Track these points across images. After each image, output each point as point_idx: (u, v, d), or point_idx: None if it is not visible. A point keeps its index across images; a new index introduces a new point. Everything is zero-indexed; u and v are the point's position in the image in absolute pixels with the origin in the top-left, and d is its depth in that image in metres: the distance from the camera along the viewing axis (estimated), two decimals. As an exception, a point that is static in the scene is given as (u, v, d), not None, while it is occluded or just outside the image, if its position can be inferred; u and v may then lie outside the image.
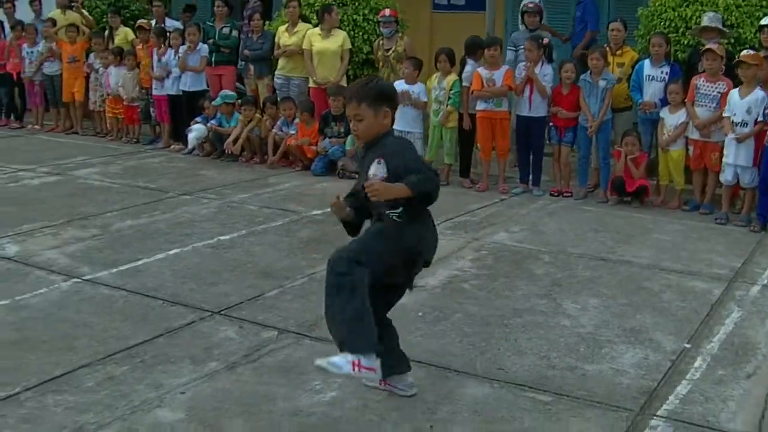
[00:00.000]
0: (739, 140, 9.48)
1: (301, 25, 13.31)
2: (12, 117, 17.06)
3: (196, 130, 13.37)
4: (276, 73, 13.65)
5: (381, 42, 12.83)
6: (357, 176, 5.10)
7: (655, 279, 7.52)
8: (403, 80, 11.68)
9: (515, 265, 7.85)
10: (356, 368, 4.48)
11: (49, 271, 7.56)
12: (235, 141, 12.91)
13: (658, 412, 5.04)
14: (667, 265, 7.93)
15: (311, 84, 13.06)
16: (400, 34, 12.77)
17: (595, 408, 5.07)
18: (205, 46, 13.88)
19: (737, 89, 9.61)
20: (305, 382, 5.34)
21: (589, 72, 10.59)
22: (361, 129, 4.88)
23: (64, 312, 6.58)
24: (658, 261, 8.04)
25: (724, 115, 9.66)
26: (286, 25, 13.42)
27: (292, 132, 12.53)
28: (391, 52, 12.59)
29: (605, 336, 6.18)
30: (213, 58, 13.93)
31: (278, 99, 13.20)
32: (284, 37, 13.31)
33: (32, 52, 16.16)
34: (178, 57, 13.83)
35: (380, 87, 4.97)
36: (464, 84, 11.25)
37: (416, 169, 4.68)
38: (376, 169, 4.78)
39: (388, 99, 4.93)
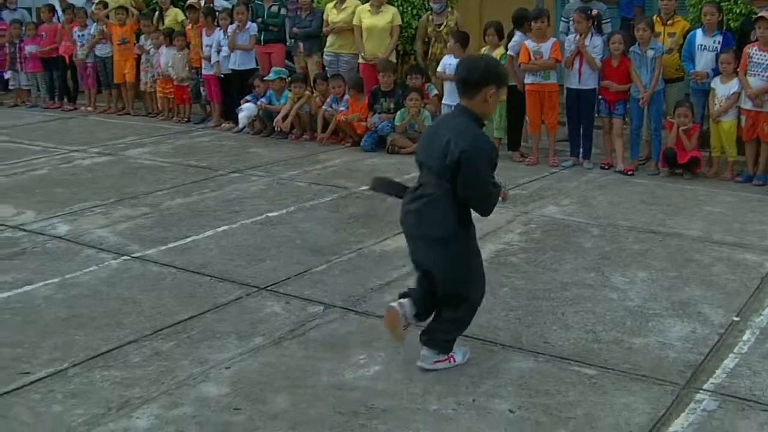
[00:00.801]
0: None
1: (350, 2, 13.31)
2: (65, 99, 17.25)
3: (246, 109, 13.42)
4: (325, 50, 13.65)
5: (431, 17, 12.77)
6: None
7: (706, 252, 7.43)
8: (451, 54, 11.63)
9: (564, 238, 7.79)
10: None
11: (99, 249, 7.64)
12: (284, 118, 12.94)
13: (704, 386, 4.98)
14: (718, 237, 7.84)
15: (360, 60, 13.04)
16: (450, 9, 12.70)
17: (640, 381, 5.02)
18: (254, 24, 13.90)
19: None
20: (350, 357, 5.35)
21: (637, 43, 10.46)
22: (489, 111, 5.15)
23: (113, 289, 6.65)
24: (709, 233, 7.95)
25: (777, 84, 9.51)
26: (335, 1, 13.41)
27: (342, 108, 12.52)
28: (442, 27, 12.51)
29: (653, 309, 6.12)
30: (262, 37, 13.95)
31: (328, 76, 13.19)
32: (332, 14, 13.32)
33: (83, 35, 16.31)
34: (227, 36, 13.86)
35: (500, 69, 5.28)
36: (510, 53, 11.16)
37: None
38: None
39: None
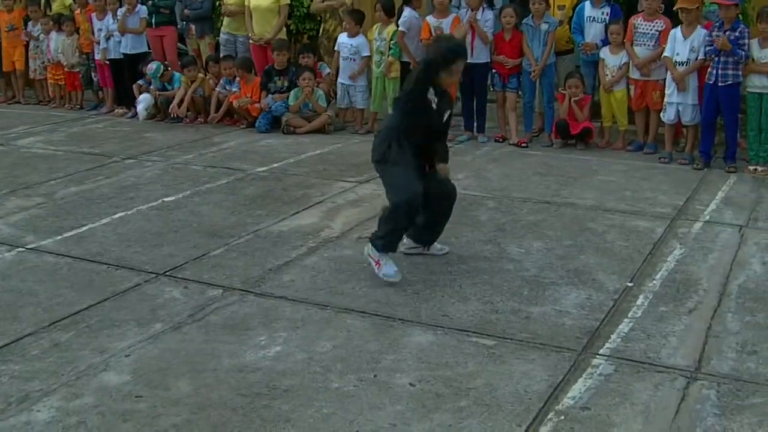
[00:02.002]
0: (677, 80, 9.54)
1: None
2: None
3: (143, 101, 13.27)
4: (221, 30, 13.53)
5: None
6: None
7: (599, 220, 7.59)
8: (345, 33, 11.67)
9: (460, 211, 7.80)
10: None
11: (-8, 242, 7.51)
12: (180, 104, 12.82)
13: (600, 351, 5.09)
14: (611, 205, 8.01)
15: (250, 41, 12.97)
16: None
17: (538, 350, 5.12)
18: (144, 7, 13.70)
19: (679, 28, 9.63)
20: (250, 338, 5.34)
21: (531, 16, 10.57)
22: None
23: (9, 282, 6.53)
24: (602, 202, 8.11)
25: (665, 54, 9.69)
26: None
27: (235, 90, 12.46)
28: (338, 3, 12.46)
29: (549, 278, 6.24)
30: (153, 20, 13.74)
31: (221, 57, 13.08)
32: None
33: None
34: (118, 20, 13.66)
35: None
36: (401, 29, 11.20)
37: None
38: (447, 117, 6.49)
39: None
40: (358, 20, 11.72)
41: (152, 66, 13.25)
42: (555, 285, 6.11)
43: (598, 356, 5.04)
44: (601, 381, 4.75)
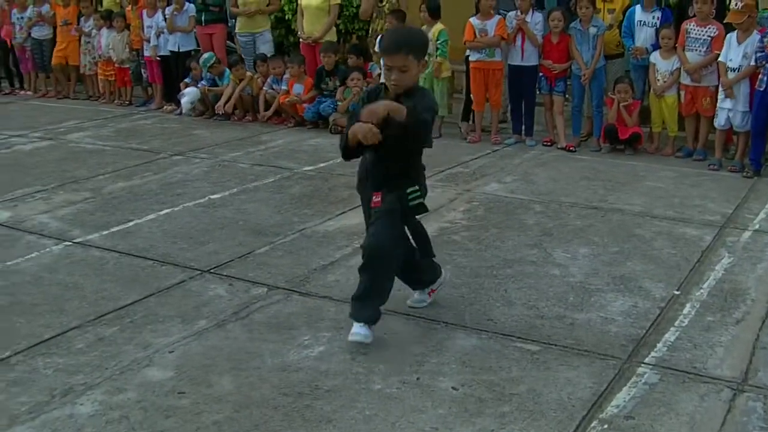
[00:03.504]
0: (725, 87, 9.44)
1: None
2: (8, 84, 17.05)
3: (188, 94, 13.33)
4: (238, 32, 13.59)
5: None
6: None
7: (647, 226, 7.51)
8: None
9: (506, 215, 7.83)
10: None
11: (40, 236, 7.55)
12: (226, 102, 12.87)
13: (646, 360, 5.03)
14: (659, 212, 7.92)
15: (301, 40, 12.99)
16: None
17: (582, 356, 5.07)
18: (192, 5, 13.79)
19: (734, 33, 9.52)
20: (294, 338, 5.34)
21: (578, 20, 10.51)
22: (405, 80, 4.95)
23: (55, 275, 6.58)
24: (650, 208, 8.03)
25: (719, 60, 9.59)
26: None
27: (284, 88, 12.47)
28: (384, 3, 12.46)
29: (595, 285, 6.18)
30: (203, 17, 13.82)
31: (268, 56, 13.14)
32: None
33: (22, 17, 16.06)
34: (166, 18, 13.75)
35: (425, 37, 5.35)
36: None
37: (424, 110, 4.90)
38: None
39: (426, 49, 5.24)
40: (400, 19, 11.70)
41: (205, 55, 13.34)
42: (601, 291, 6.05)
43: (643, 365, 4.98)
44: (646, 390, 4.69)
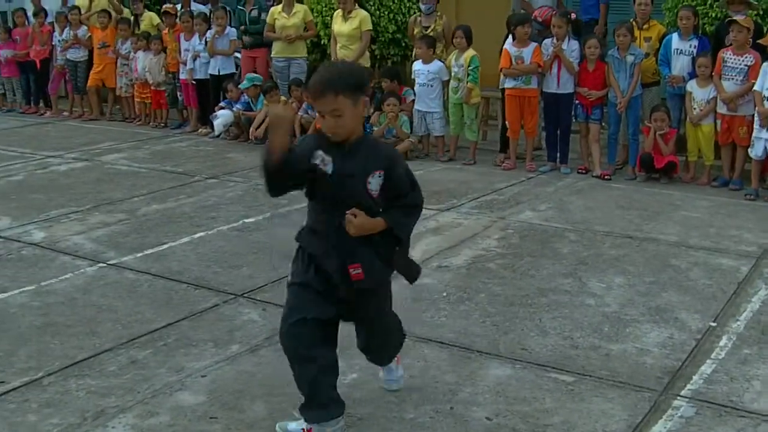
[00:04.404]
0: (762, 116, 9.37)
1: (298, 6, 13.45)
2: (41, 103, 17.19)
3: (221, 116, 13.38)
4: (274, 56, 13.63)
5: (419, 19, 12.74)
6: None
7: (682, 256, 7.45)
8: (420, 60, 11.70)
9: (541, 244, 7.79)
10: None
11: (74, 256, 7.59)
12: (258, 126, 12.91)
13: (682, 392, 4.98)
14: (694, 242, 7.86)
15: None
16: (438, 14, 12.67)
17: (618, 388, 5.02)
18: (234, 30, 13.88)
19: (769, 63, 9.48)
20: (327, 365, 5.32)
21: (616, 48, 10.48)
22: (345, 126, 4.10)
23: (89, 297, 6.61)
24: (685, 238, 7.97)
25: (755, 89, 9.53)
26: (281, 6, 13.44)
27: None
28: (429, 30, 12.47)
29: (630, 315, 6.13)
30: (246, 42, 13.94)
31: (302, 82, 13.17)
32: (281, 19, 13.36)
33: (62, 39, 16.21)
34: (205, 41, 13.83)
35: (359, 72, 4.26)
36: None
37: (406, 192, 4.32)
38: (376, 184, 4.22)
39: (365, 86, 4.20)
40: (430, 46, 11.73)
41: (249, 75, 13.42)
42: (636, 322, 6.00)
43: (679, 398, 4.93)
44: (681, 424, 4.64)
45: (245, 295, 6.55)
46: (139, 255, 7.60)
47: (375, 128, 11.79)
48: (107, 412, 4.80)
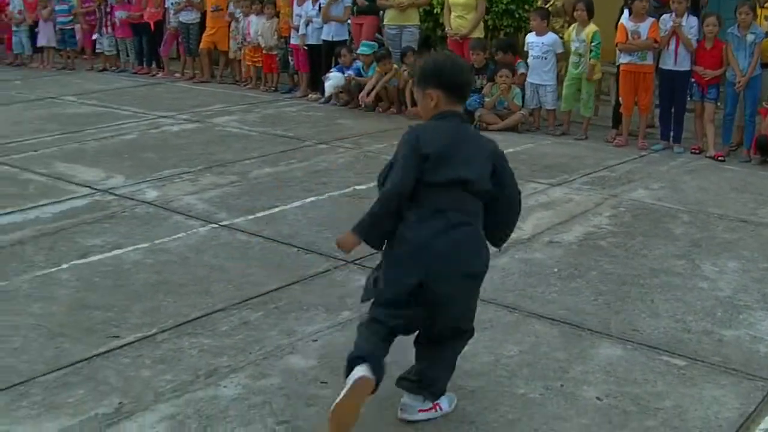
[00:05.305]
0: None
1: None
2: (153, 65, 17.47)
3: (333, 78, 13.43)
4: (386, 23, 13.62)
5: None
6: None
7: (799, 243, 7.29)
8: (533, 32, 11.59)
9: (653, 223, 7.69)
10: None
11: (187, 216, 7.71)
12: (369, 92, 12.92)
13: (796, 383, 4.89)
14: (811, 229, 7.69)
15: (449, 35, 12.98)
16: None
17: (730, 375, 4.94)
18: (348, -4, 13.91)
19: None
20: (437, 335, 5.33)
21: (736, 26, 10.24)
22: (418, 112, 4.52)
23: (201, 256, 6.71)
24: (802, 225, 7.80)
25: None
26: None
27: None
28: (549, 4, 12.36)
29: (743, 301, 6.01)
30: (354, 8, 13.96)
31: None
32: None
33: (175, 2, 16.43)
34: (319, 6, 13.87)
35: (423, 66, 4.42)
36: None
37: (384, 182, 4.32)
38: None
39: (432, 78, 4.31)
40: (544, 17, 11.61)
41: (370, 42, 13.50)
42: (750, 309, 5.88)
43: (793, 389, 4.84)
44: (795, 415, 4.56)
45: (356, 262, 6.56)
46: (251, 217, 7.68)
47: (487, 99, 11.74)
48: (219, 371, 4.87)
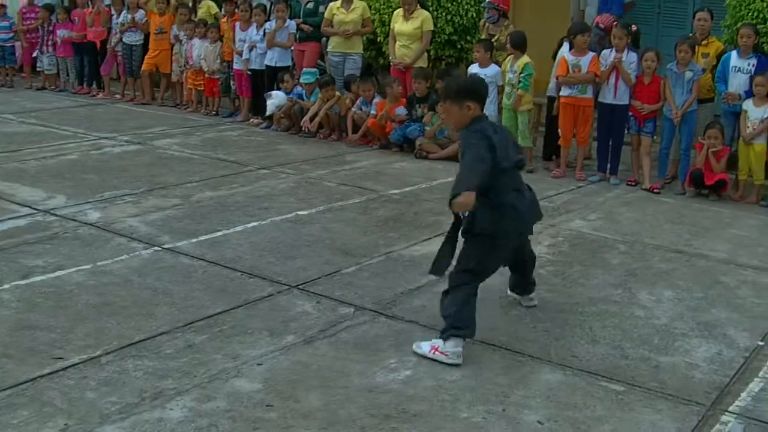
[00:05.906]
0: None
1: (356, 2, 13.54)
2: (94, 85, 17.41)
3: (275, 97, 13.45)
4: (330, 51, 13.77)
5: (487, 25, 12.87)
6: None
7: (731, 274, 7.46)
8: (477, 63, 11.73)
9: (591, 253, 7.83)
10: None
11: (130, 238, 7.72)
12: (312, 118, 13.00)
13: (730, 408, 5.01)
14: (743, 260, 7.86)
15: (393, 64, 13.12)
16: (506, 23, 12.78)
17: (667, 400, 5.07)
18: (293, 22, 13.94)
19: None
20: (381, 360, 5.40)
21: (675, 62, 10.47)
22: (450, 122, 6.24)
23: (145, 279, 6.72)
24: (734, 256, 7.97)
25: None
26: (340, 1, 13.55)
27: (372, 112, 12.55)
28: (495, 39, 12.51)
29: (679, 329, 6.16)
30: (297, 35, 14.01)
31: (358, 77, 13.26)
32: (340, 14, 13.50)
33: (118, 22, 16.39)
34: (263, 32, 13.93)
35: (459, 85, 5.76)
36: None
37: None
38: None
39: (470, 93, 5.56)
40: (488, 49, 11.76)
41: (312, 70, 13.55)
42: (685, 336, 6.03)
43: (727, 413, 4.96)
44: (729, 440, 4.69)
45: (299, 286, 6.63)
46: (194, 240, 7.71)
47: (427, 128, 11.86)
48: (165, 393, 4.90)
